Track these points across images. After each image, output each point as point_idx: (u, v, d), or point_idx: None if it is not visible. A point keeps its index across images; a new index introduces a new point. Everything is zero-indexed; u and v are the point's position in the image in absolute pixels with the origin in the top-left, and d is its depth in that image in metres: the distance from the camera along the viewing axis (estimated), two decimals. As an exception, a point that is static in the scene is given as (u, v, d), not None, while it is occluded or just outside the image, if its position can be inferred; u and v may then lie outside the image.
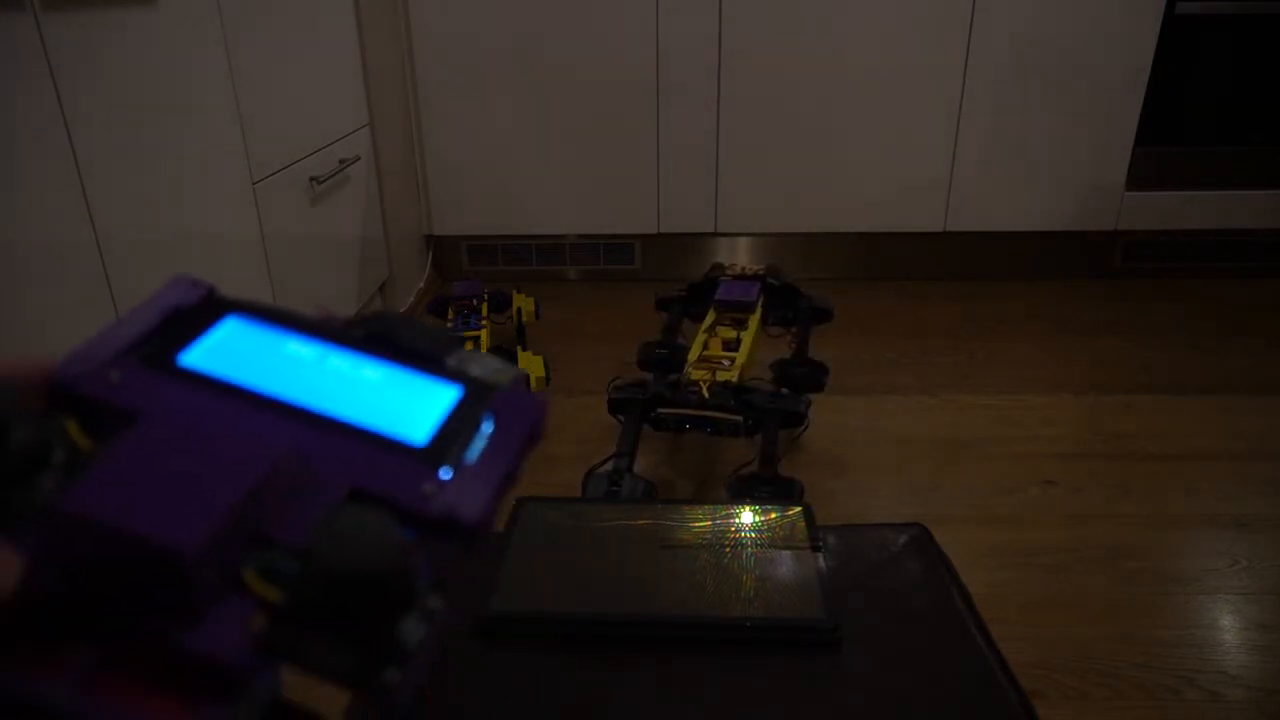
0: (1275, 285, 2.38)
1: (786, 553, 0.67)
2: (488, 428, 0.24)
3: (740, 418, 1.33)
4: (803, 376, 1.54)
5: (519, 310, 2.06)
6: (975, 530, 1.40)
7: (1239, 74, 2.19)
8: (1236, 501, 1.46)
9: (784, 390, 1.38)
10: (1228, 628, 1.20)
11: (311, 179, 1.67)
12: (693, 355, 1.46)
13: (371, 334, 0.25)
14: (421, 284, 2.39)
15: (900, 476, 1.55)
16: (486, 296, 2.07)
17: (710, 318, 1.57)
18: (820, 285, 2.44)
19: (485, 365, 0.25)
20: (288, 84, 1.58)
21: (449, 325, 1.91)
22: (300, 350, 0.24)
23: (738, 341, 1.49)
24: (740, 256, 2.49)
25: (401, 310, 2.24)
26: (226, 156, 1.38)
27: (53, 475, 0.21)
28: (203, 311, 0.26)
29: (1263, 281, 2.40)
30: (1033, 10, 2.12)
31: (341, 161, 1.80)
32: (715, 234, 2.41)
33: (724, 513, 0.73)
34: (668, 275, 2.50)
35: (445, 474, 0.22)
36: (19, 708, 0.18)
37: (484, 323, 1.92)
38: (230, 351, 0.24)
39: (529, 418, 0.24)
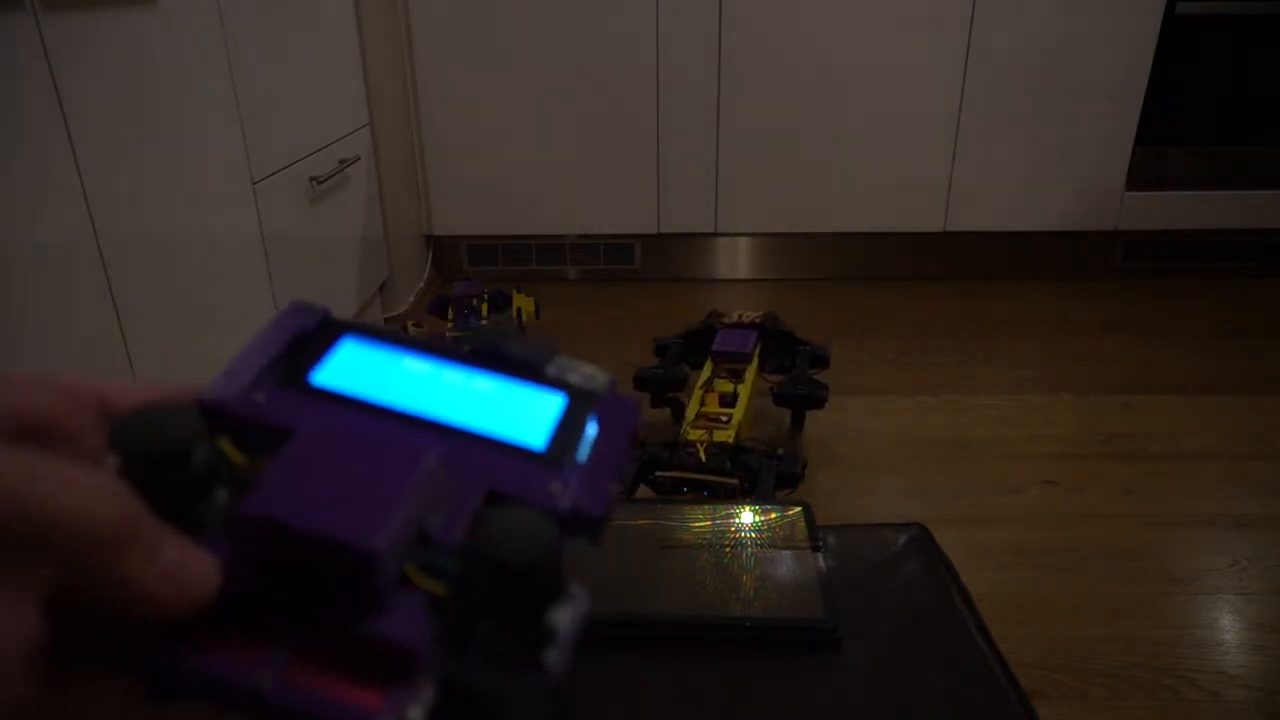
0: (1275, 285, 2.38)
1: (786, 553, 0.67)
2: (593, 430, 0.26)
3: (736, 481, 1.33)
4: (803, 396, 1.57)
5: (519, 310, 2.06)
6: (975, 530, 1.40)
7: (1239, 74, 2.19)
8: (1236, 501, 1.46)
9: (780, 451, 1.38)
10: (1228, 628, 1.20)
11: (311, 179, 1.67)
12: (690, 413, 1.45)
13: (476, 348, 0.28)
14: (421, 284, 2.39)
15: (900, 476, 1.55)
16: (486, 296, 2.07)
17: (707, 370, 1.57)
18: (820, 285, 2.45)
19: (581, 372, 0.28)
20: (288, 84, 1.59)
21: (449, 325, 1.91)
22: (416, 366, 0.27)
23: (735, 396, 1.50)
24: (740, 256, 2.49)
25: (402, 310, 2.24)
26: (226, 156, 1.38)
27: (224, 488, 0.23)
28: (321, 333, 0.28)
29: (1263, 281, 2.40)
30: (1033, 10, 2.12)
31: (341, 161, 1.80)
32: (715, 234, 2.41)
33: (724, 513, 0.73)
34: (668, 275, 2.50)
35: (567, 474, 0.25)
36: (228, 695, 0.21)
37: (484, 323, 1.92)
38: (354, 369, 0.27)
39: (628, 419, 0.27)
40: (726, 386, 1.52)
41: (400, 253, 2.23)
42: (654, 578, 0.65)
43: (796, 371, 1.63)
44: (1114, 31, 2.14)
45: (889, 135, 2.26)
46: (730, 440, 1.36)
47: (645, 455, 1.34)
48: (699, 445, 1.34)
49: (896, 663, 0.59)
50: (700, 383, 1.53)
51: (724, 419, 1.43)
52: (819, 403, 1.58)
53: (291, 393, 0.26)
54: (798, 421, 1.67)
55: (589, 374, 0.27)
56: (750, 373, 1.55)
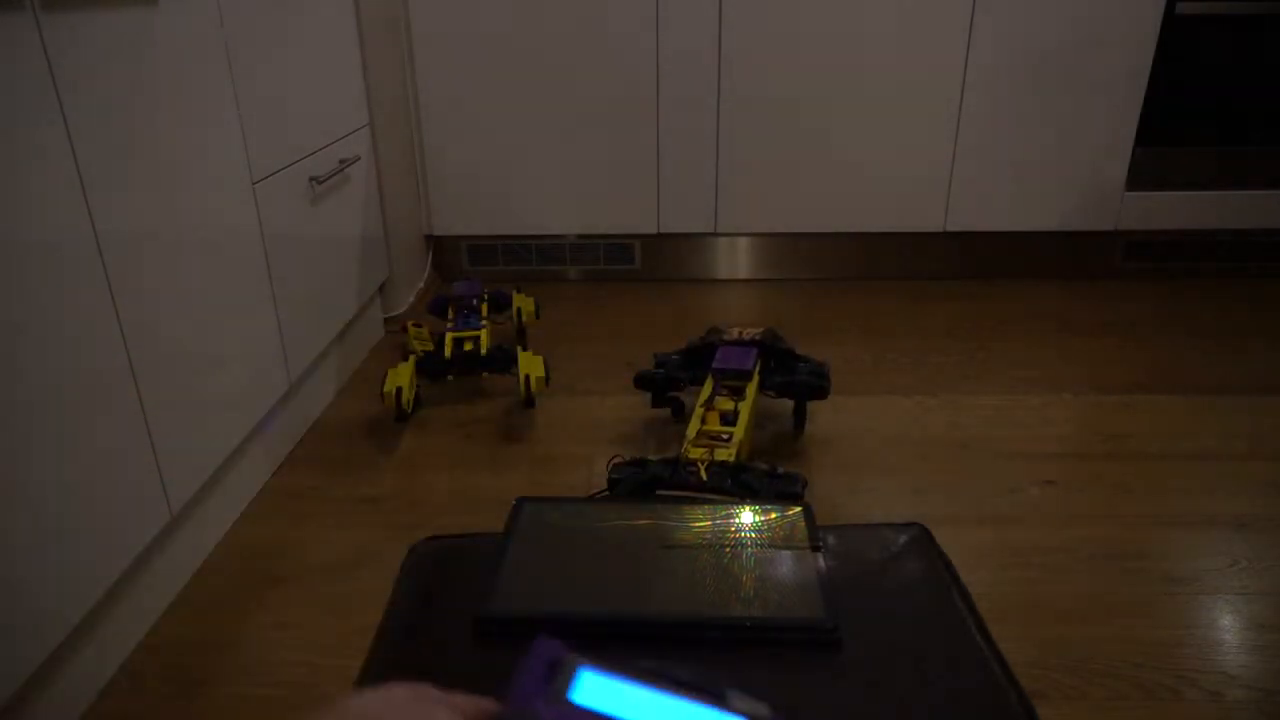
0: (1275, 285, 2.38)
1: (786, 553, 0.67)
2: None
3: (737, 500, 1.33)
4: (804, 385, 1.57)
5: (519, 310, 2.06)
6: (975, 530, 1.40)
7: (1239, 74, 2.19)
8: (1236, 501, 1.46)
9: (780, 469, 1.38)
10: (1228, 628, 1.20)
11: (311, 179, 1.67)
12: (690, 431, 1.44)
13: (673, 680, 0.36)
14: (421, 284, 2.39)
15: (900, 476, 1.55)
16: (486, 296, 2.07)
17: (708, 388, 1.56)
18: (820, 285, 2.45)
19: (746, 700, 0.36)
20: (288, 84, 1.59)
21: (449, 325, 1.91)
22: (638, 691, 0.36)
23: (735, 414, 1.49)
24: (740, 256, 2.49)
25: (401, 310, 2.24)
26: (226, 156, 1.38)
27: None
28: (566, 662, 0.37)
29: (1263, 281, 2.40)
30: (1033, 10, 2.12)
31: (341, 161, 1.80)
32: (715, 234, 2.41)
33: (724, 513, 0.73)
34: (668, 275, 2.50)
35: None
36: None
37: (484, 323, 1.92)
38: (598, 691, 0.36)
39: None
40: (727, 404, 1.51)
41: (400, 253, 2.23)
42: (654, 578, 0.65)
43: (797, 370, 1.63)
44: (1114, 31, 2.14)
45: (889, 135, 2.26)
46: (731, 459, 1.36)
47: (646, 474, 1.33)
48: (700, 464, 1.34)
49: (896, 663, 0.59)
50: (701, 400, 1.52)
51: (725, 437, 1.42)
52: (821, 393, 1.58)
53: (559, 706, 0.35)
54: (800, 417, 1.67)
55: (757, 705, 0.36)
56: (751, 390, 1.55)
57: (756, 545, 0.68)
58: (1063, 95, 2.20)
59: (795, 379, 1.59)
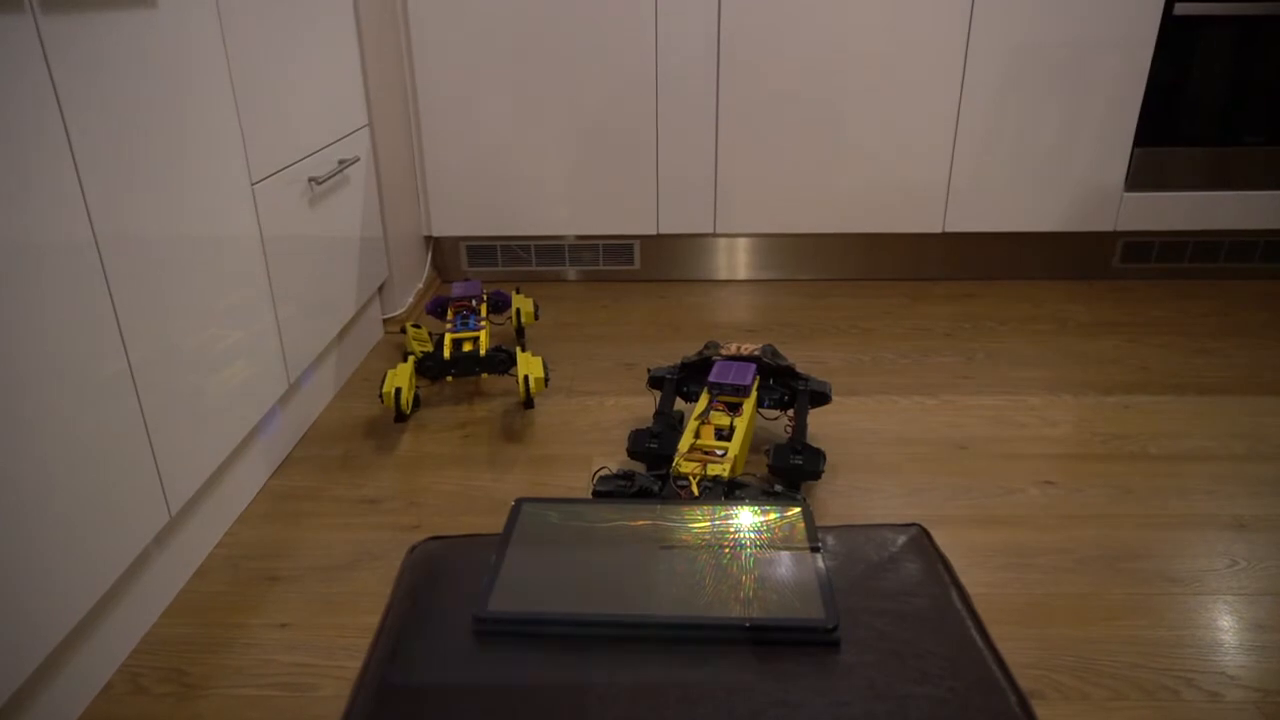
0: (1275, 285, 2.38)
1: (786, 553, 0.67)
2: None
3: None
4: (798, 467, 1.45)
5: (518, 311, 2.07)
6: (975, 530, 1.40)
7: (1239, 74, 2.19)
8: (1236, 501, 1.46)
9: (777, 486, 1.30)
10: (1227, 628, 1.20)
11: (311, 179, 1.67)
12: (683, 445, 1.38)
13: None
14: (421, 284, 2.39)
15: (900, 476, 1.55)
16: (486, 297, 2.07)
17: (704, 402, 1.51)
18: (819, 286, 2.45)
19: None
20: (288, 84, 1.59)
21: (448, 326, 1.91)
22: None
23: (731, 429, 1.43)
24: (739, 257, 2.49)
25: (400, 311, 2.24)
26: (226, 156, 1.38)
27: None
28: None
29: (1263, 281, 2.40)
30: (1032, 10, 2.12)
31: (341, 162, 1.80)
32: (714, 235, 2.41)
33: (723, 513, 0.73)
34: (667, 276, 2.50)
35: None
36: None
37: (483, 323, 1.92)
38: None
39: None
40: (723, 420, 1.46)
41: (399, 253, 2.23)
42: (653, 578, 0.65)
43: (795, 419, 1.55)
44: (1113, 31, 2.14)
45: (888, 136, 2.26)
46: (725, 475, 1.30)
47: (635, 487, 1.28)
48: (691, 478, 1.28)
49: (896, 663, 0.59)
50: (695, 414, 1.47)
51: (719, 453, 1.37)
52: (815, 474, 1.47)
53: None
54: (794, 487, 1.53)
55: None
56: (748, 406, 1.50)
57: (756, 546, 0.68)
58: (1062, 95, 2.20)
59: (788, 463, 1.47)
